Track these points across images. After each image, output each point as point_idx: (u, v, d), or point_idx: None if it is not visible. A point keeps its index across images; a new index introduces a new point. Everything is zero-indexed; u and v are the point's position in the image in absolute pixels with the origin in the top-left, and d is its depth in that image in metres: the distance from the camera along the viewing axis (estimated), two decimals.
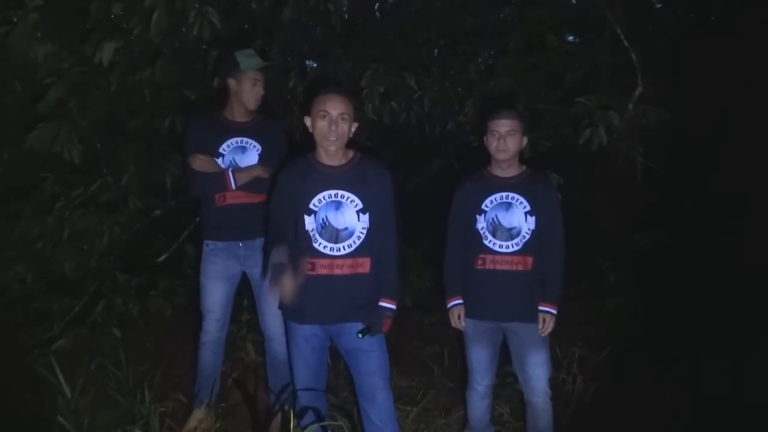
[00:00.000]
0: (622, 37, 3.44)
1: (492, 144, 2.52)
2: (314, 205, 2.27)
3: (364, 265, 2.28)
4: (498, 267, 2.52)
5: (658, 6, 5.10)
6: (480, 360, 2.62)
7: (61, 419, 2.65)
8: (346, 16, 3.86)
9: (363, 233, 2.27)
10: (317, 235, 2.26)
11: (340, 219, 2.26)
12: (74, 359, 3.24)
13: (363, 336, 2.27)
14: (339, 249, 2.26)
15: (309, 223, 2.27)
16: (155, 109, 3.42)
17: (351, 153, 2.34)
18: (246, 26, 3.80)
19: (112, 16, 3.06)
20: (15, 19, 2.99)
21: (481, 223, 2.54)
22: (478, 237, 2.55)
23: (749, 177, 4.18)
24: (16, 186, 3.53)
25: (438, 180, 4.49)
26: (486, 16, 3.97)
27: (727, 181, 4.31)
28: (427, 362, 3.65)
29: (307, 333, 2.33)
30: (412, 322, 4.13)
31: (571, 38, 4.21)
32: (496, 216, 2.53)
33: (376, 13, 4.41)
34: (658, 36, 4.77)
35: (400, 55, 3.74)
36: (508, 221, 2.52)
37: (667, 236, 4.39)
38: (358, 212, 2.27)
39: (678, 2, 5.04)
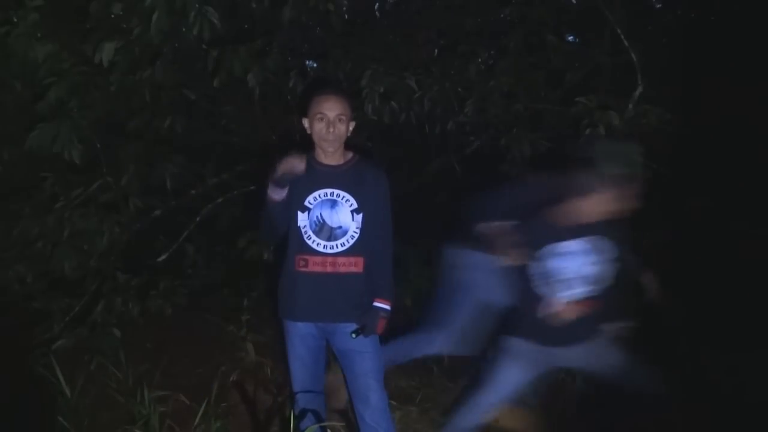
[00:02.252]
0: (622, 37, 3.44)
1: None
2: (309, 202, 2.29)
3: (357, 265, 2.30)
4: None
5: (658, 6, 5.09)
6: None
7: (61, 419, 2.66)
8: (346, 16, 3.85)
9: (357, 233, 2.29)
10: (311, 233, 2.28)
11: (335, 217, 2.28)
12: (74, 359, 3.24)
13: (356, 336, 2.28)
14: (333, 247, 2.28)
15: (302, 219, 2.28)
16: (155, 109, 3.41)
17: (350, 154, 2.35)
18: (246, 26, 3.79)
19: (112, 16, 3.05)
20: (15, 19, 2.99)
21: None
22: None
23: (750, 176, 4.19)
24: (16, 186, 3.53)
25: (438, 180, 4.49)
26: (486, 16, 3.96)
27: (728, 180, 4.31)
28: (427, 362, 3.65)
29: (303, 332, 2.35)
30: (412, 322, 4.12)
31: (571, 38, 4.21)
32: None
33: (376, 13, 4.40)
34: (658, 36, 4.77)
35: (400, 55, 3.74)
36: None
37: (668, 236, 4.39)
38: (352, 212, 2.28)
39: (678, 2, 5.04)
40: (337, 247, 2.28)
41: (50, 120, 3.06)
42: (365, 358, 2.32)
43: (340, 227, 2.28)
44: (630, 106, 3.37)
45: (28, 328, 3.48)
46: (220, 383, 3.20)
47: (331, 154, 2.29)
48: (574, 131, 3.34)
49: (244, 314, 3.63)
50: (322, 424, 2.41)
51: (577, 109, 3.31)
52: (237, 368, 3.46)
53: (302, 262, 2.29)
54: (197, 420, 2.81)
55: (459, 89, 3.59)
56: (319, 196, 2.29)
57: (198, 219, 3.99)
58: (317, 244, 2.28)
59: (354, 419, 2.45)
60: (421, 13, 3.99)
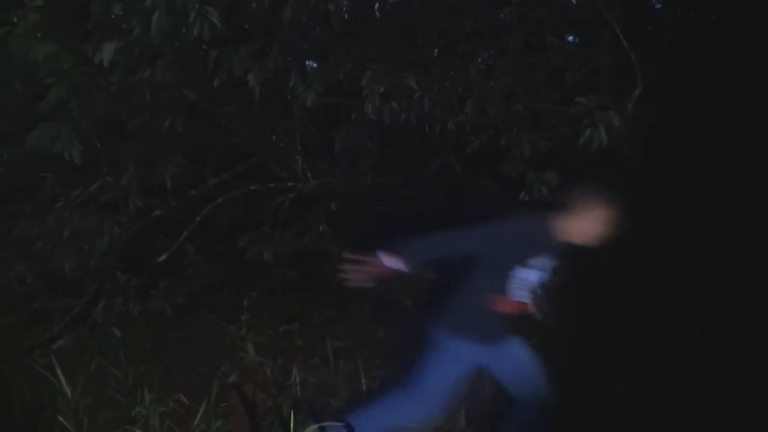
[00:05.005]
0: (622, 37, 3.44)
1: None
2: None
3: None
4: None
5: (658, 6, 5.10)
6: None
7: (61, 419, 2.66)
8: (346, 16, 3.85)
9: None
10: None
11: None
12: (74, 359, 3.24)
13: None
14: None
15: None
16: (155, 109, 3.42)
17: None
18: (246, 26, 3.80)
19: (112, 16, 3.06)
20: (15, 19, 2.99)
21: None
22: None
23: (750, 176, 4.18)
24: (16, 186, 3.53)
25: (438, 180, 4.49)
26: (486, 16, 3.96)
27: (728, 180, 4.30)
28: None
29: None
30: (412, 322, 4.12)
31: (571, 38, 4.21)
32: None
33: (376, 13, 4.41)
34: (658, 36, 4.77)
35: (400, 55, 3.74)
36: None
37: (668, 236, 4.38)
38: None
39: (678, 2, 5.04)
40: None
41: (50, 120, 3.06)
42: None
43: None
44: (629, 106, 3.37)
45: (28, 328, 3.48)
46: (219, 383, 3.20)
47: None
48: (574, 131, 3.34)
49: (244, 314, 3.63)
50: (322, 424, 2.41)
51: (577, 109, 3.31)
52: (237, 368, 3.46)
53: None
54: (197, 420, 2.81)
55: (459, 89, 3.59)
56: None
57: (198, 219, 3.99)
58: None
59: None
60: (421, 13, 4.00)
